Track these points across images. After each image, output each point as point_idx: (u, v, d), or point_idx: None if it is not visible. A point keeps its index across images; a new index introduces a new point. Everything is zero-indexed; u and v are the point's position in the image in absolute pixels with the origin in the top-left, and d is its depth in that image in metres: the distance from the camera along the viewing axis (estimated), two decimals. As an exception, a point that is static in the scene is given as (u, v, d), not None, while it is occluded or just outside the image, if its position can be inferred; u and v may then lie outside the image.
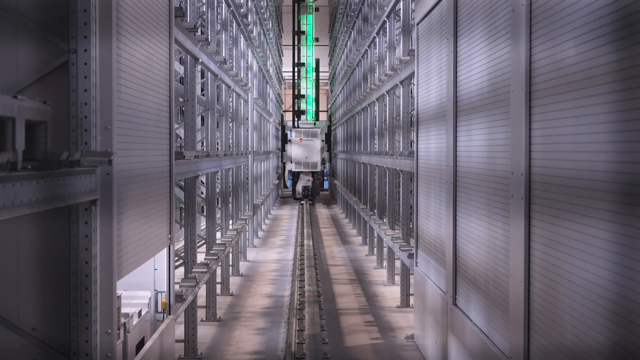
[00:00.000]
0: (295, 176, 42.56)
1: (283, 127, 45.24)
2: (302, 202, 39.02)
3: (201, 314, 12.24)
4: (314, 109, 51.78)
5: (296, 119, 46.70)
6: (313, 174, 41.84)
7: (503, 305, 6.12)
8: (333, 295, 15.15)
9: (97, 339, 5.22)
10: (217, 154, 13.82)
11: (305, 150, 41.04)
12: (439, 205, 9.05)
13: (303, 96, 49.54)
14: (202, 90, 15.08)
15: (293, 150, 41.24)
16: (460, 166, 7.86)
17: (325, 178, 44.12)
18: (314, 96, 51.70)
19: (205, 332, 11.73)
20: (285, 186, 49.36)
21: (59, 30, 5.06)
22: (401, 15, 14.54)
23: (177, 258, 10.58)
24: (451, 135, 8.14)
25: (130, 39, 6.21)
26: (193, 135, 11.01)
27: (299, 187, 41.96)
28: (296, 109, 47.49)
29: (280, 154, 44.57)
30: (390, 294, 15.10)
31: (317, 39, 60.82)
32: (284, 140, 42.86)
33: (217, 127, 15.27)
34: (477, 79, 7.06)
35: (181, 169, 9.49)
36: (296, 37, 48.36)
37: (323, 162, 42.49)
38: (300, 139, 41.08)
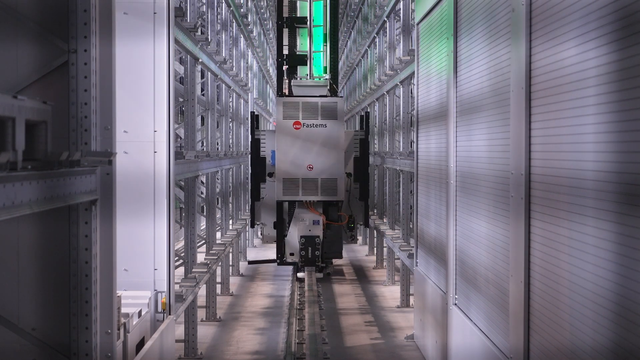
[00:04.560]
0: (283, 212, 16.76)
1: (253, 116, 17.24)
2: (299, 275, 15.84)
3: (201, 314, 12.24)
4: (327, 56, 18.74)
5: (285, 79, 18.44)
6: (327, 206, 16.34)
7: (503, 305, 6.12)
8: (333, 295, 15.15)
9: (97, 339, 5.22)
10: (217, 154, 13.82)
11: (307, 150, 15.95)
12: (439, 205, 9.05)
13: (304, 20, 18.94)
14: (202, 90, 15.09)
15: (279, 150, 16.04)
16: (460, 166, 7.85)
17: (351, 223, 16.84)
18: (327, 30, 19.16)
19: (205, 332, 11.73)
20: (253, 224, 17.35)
21: (59, 30, 5.05)
22: (401, 15, 14.54)
23: (177, 258, 10.58)
24: (451, 135, 8.14)
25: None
26: (193, 135, 11.01)
27: (293, 239, 16.21)
28: (286, 51, 18.65)
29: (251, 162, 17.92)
30: (390, 294, 15.09)
31: None
32: (252, 130, 16.88)
33: (217, 127, 15.28)
34: (477, 79, 7.06)
35: (181, 169, 9.49)
36: None
37: (349, 177, 16.48)
38: (297, 122, 16.00)
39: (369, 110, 19.80)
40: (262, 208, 16.45)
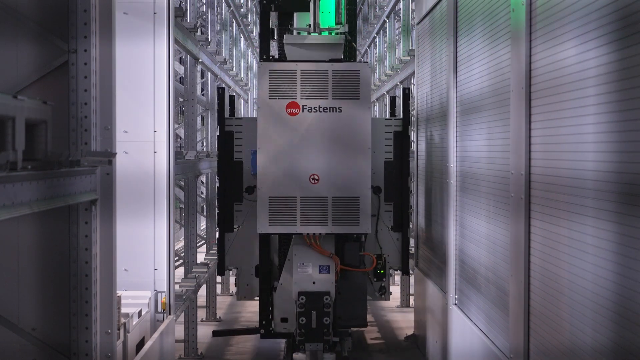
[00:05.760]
0: (270, 251, 9.25)
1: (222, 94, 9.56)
2: (295, 357, 8.72)
3: (201, 314, 12.24)
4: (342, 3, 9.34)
5: (275, 30, 9.82)
6: (343, 243, 8.95)
7: (503, 305, 6.12)
8: (333, 295, 15.08)
9: (97, 339, 5.22)
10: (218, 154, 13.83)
11: (310, 150, 8.59)
12: (439, 205, 9.05)
13: None
14: (202, 90, 15.09)
15: (264, 150, 8.59)
16: (460, 166, 7.86)
17: (380, 268, 9.40)
18: None
19: (205, 332, 11.73)
20: (223, 270, 9.52)
21: (59, 30, 5.06)
22: (401, 15, 14.54)
23: (177, 258, 10.58)
24: (451, 135, 8.14)
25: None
26: (193, 135, 11.02)
27: (287, 295, 8.95)
28: None
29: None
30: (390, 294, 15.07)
31: None
32: (221, 118, 9.26)
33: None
34: (477, 79, 7.06)
35: (181, 169, 9.49)
36: None
37: (377, 194, 9.22)
38: (293, 103, 8.63)
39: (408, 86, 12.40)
40: (236, 244, 9.41)
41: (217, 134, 9.07)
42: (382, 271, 9.54)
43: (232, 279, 10.61)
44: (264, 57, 9.31)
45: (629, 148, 3.82)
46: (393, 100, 9.97)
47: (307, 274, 8.89)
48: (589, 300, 4.34)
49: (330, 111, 8.71)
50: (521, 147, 5.45)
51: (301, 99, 8.57)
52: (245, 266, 9.46)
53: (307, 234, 8.65)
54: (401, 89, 9.62)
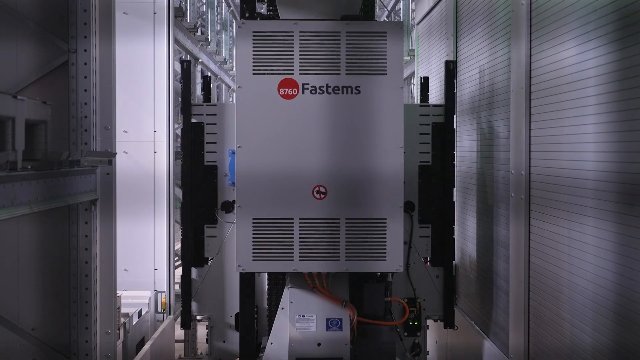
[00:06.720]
0: (255, 294, 6.22)
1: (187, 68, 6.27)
2: None
3: (201, 314, 12.21)
4: None
5: None
6: (361, 284, 6.00)
7: (503, 305, 6.12)
8: (333, 295, 14.99)
9: (97, 339, 5.23)
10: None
11: (314, 151, 5.57)
12: (439, 205, 9.04)
13: None
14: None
15: (246, 150, 5.54)
16: (460, 166, 7.86)
17: (414, 320, 6.35)
18: None
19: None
20: (189, 322, 6.45)
21: (59, 30, 5.06)
22: (401, 15, 14.55)
23: (177, 258, 10.58)
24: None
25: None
26: (193, 135, 10.99)
27: (285, 354, 5.77)
28: None
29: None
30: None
31: None
32: (186, 103, 6.21)
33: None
34: (477, 79, 7.06)
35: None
36: None
37: (408, 213, 6.25)
38: (288, 81, 5.56)
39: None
40: (208, 284, 6.53)
41: (181, 126, 6.29)
42: (415, 323, 6.75)
43: (201, 330, 8.70)
44: (245, 13, 6.28)
45: (629, 148, 3.82)
46: (426, 82, 6.99)
47: (310, 331, 6.10)
48: (589, 300, 4.34)
49: (343, 92, 5.84)
50: (521, 146, 5.46)
51: (300, 74, 5.82)
52: (221, 316, 6.70)
53: (310, 272, 5.97)
54: (444, 63, 6.70)
